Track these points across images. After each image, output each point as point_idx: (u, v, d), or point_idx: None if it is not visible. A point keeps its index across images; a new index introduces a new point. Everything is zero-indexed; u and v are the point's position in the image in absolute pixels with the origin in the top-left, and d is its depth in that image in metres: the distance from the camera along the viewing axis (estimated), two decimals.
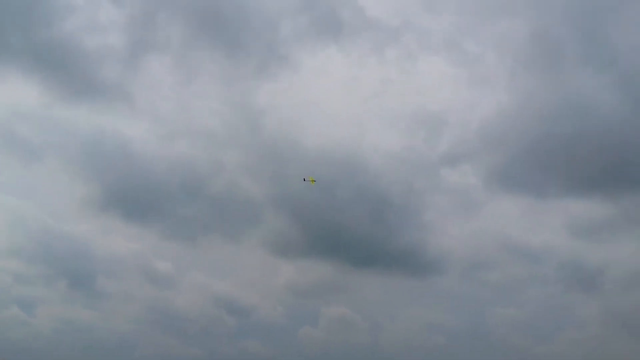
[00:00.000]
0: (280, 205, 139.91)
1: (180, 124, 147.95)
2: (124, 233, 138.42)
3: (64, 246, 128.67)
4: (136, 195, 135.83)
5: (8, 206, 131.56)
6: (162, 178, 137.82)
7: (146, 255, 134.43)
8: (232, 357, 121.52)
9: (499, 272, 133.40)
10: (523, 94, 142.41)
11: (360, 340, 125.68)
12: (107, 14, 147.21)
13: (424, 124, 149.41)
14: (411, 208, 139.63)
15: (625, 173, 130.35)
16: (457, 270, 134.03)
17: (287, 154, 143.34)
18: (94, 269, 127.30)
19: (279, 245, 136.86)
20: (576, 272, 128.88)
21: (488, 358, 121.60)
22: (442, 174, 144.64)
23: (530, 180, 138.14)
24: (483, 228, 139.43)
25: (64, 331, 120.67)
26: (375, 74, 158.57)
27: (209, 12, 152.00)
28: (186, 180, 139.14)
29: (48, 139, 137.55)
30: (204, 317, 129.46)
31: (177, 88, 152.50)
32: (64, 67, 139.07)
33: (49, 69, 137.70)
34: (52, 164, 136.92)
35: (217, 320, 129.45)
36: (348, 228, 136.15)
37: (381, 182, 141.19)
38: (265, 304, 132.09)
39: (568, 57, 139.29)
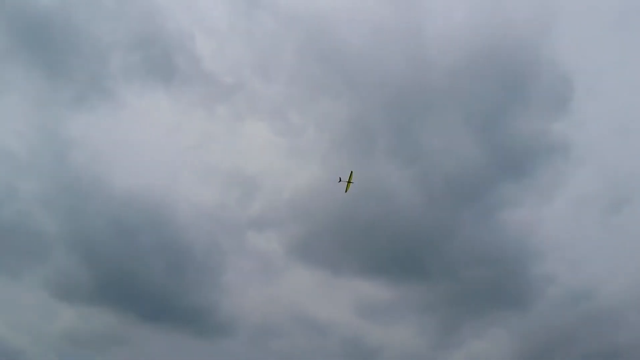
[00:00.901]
0: (73, 244, 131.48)
1: None
2: None
3: None
4: None
5: None
6: None
7: None
8: None
9: (287, 341, 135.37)
10: (335, 174, 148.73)
11: None
12: None
13: (239, 185, 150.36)
14: (212, 266, 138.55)
15: (409, 263, 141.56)
16: (247, 335, 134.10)
17: (91, 192, 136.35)
18: None
19: (63, 287, 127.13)
20: (356, 349, 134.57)
21: None
22: (248, 237, 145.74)
23: (328, 256, 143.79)
24: (278, 296, 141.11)
25: None
26: (200, 127, 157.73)
27: (36, 27, 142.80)
28: None
29: None
30: None
31: None
32: None
33: None
34: None
35: None
36: (143, 278, 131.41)
37: (186, 235, 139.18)
38: (35, 350, 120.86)
39: (379, 146, 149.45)
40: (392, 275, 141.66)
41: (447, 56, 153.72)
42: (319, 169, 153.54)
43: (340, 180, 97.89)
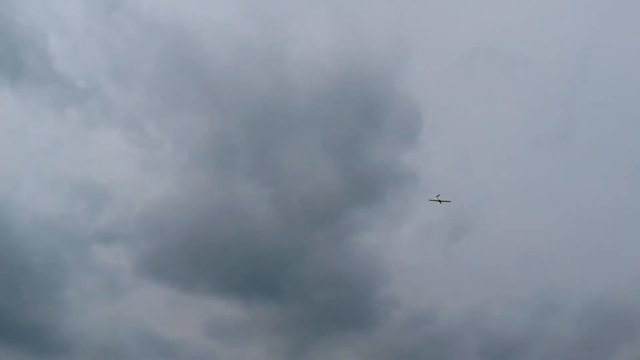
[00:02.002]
0: None
1: None
2: None
3: None
4: None
5: None
6: None
7: None
8: None
9: None
10: (192, 189, 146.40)
11: None
12: None
13: (86, 194, 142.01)
14: (52, 281, 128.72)
15: (263, 283, 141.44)
16: (88, 357, 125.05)
17: None
18: None
19: None
20: None
21: None
22: (94, 251, 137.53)
23: (179, 273, 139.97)
24: (124, 314, 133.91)
25: None
26: (48, 131, 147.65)
27: None
28: None
29: None
30: None
31: None
32: None
33: None
34: None
35: None
36: None
37: (24, 247, 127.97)
38: None
39: (239, 165, 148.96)
40: (245, 294, 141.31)
41: (309, 81, 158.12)
42: (175, 184, 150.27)
43: (438, 196, 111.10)
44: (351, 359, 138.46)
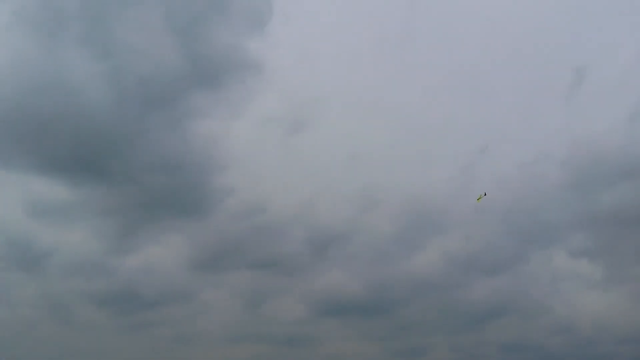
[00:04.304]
0: None
1: None
2: None
3: None
4: None
5: None
6: None
7: None
8: None
9: None
10: (13, 54, 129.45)
11: None
12: None
13: None
14: None
15: (91, 163, 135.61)
16: None
17: None
18: None
19: None
20: (24, 252, 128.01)
21: None
22: None
23: None
24: None
25: None
26: None
27: None
28: None
29: None
30: None
31: None
32: None
33: None
34: None
35: None
36: None
37: None
38: None
39: (70, 33, 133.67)
40: (70, 174, 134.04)
41: None
42: None
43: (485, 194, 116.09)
44: (180, 245, 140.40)
